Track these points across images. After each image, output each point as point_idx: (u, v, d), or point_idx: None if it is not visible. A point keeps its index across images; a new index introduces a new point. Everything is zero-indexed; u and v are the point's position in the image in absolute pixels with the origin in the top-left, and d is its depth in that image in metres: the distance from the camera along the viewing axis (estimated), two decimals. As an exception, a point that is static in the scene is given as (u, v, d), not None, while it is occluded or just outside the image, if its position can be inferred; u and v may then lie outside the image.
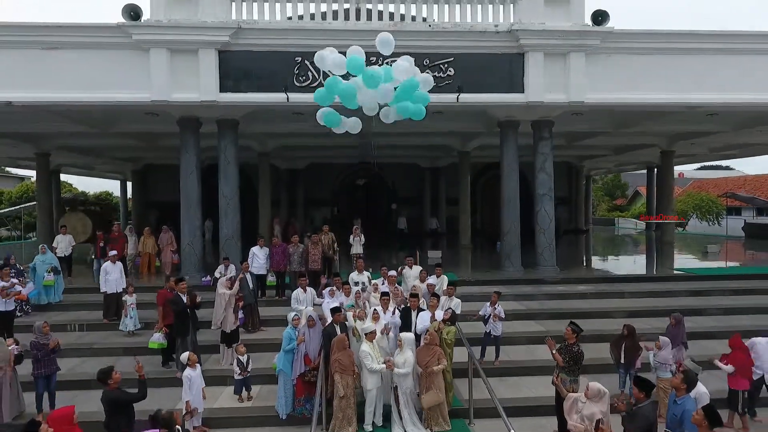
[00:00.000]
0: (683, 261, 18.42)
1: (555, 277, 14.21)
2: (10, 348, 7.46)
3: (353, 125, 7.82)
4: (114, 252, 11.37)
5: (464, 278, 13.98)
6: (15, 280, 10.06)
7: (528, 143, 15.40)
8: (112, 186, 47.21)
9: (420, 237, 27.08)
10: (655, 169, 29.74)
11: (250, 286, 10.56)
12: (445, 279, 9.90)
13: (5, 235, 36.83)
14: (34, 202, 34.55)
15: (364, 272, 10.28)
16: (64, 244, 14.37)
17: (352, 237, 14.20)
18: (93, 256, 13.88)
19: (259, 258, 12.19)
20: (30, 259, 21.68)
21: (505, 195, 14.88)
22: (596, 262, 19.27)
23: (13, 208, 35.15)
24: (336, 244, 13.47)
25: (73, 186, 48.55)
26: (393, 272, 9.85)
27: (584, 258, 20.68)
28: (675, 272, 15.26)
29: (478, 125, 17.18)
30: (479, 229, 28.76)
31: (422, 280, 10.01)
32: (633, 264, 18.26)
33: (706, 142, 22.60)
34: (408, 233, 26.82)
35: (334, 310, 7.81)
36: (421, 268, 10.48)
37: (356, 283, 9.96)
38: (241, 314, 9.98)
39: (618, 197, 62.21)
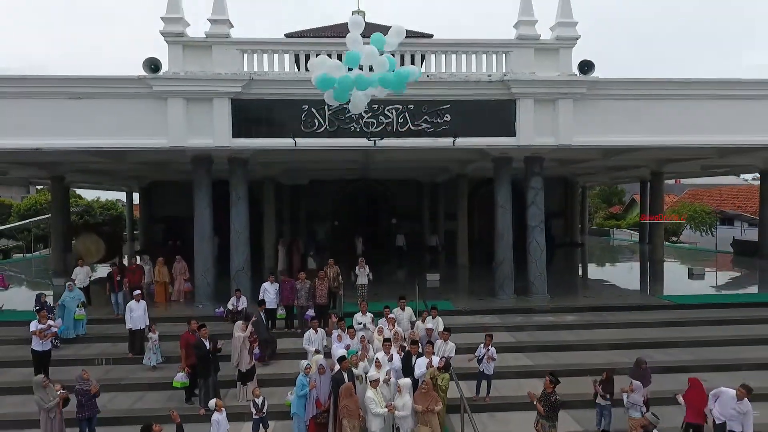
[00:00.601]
0: (668, 283, 19.41)
1: (545, 306, 15.15)
2: (59, 393, 8.40)
3: (358, 102, 8.55)
4: (138, 291, 12.34)
5: (460, 308, 14.95)
6: (51, 322, 11.04)
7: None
8: (118, 194, 48.16)
9: (419, 254, 27.99)
10: (648, 184, 30.64)
11: (265, 323, 11.56)
12: (440, 321, 10.85)
13: (11, 245, 37.68)
14: (43, 216, 35.63)
15: (368, 314, 11.27)
16: (82, 275, 15.23)
17: (357, 268, 15.15)
18: (110, 288, 14.72)
19: (269, 293, 13.16)
20: (41, 274, 22.90)
21: (499, 228, 15.84)
22: (585, 284, 20.24)
23: (23, 222, 36.14)
24: (340, 277, 14.42)
25: (80, 196, 49.49)
26: (392, 315, 10.85)
27: (575, 278, 21.65)
28: (657, 300, 16.17)
29: (473, 155, 18.12)
30: (477, 240, 29.54)
31: (423, 320, 11.02)
32: (620, 286, 19.19)
33: (695, 164, 23.59)
34: (406, 250, 27.71)
35: (341, 359, 8.79)
36: (411, 312, 11.50)
37: (359, 323, 10.98)
38: (257, 350, 10.97)
39: (615, 204, 63.15)
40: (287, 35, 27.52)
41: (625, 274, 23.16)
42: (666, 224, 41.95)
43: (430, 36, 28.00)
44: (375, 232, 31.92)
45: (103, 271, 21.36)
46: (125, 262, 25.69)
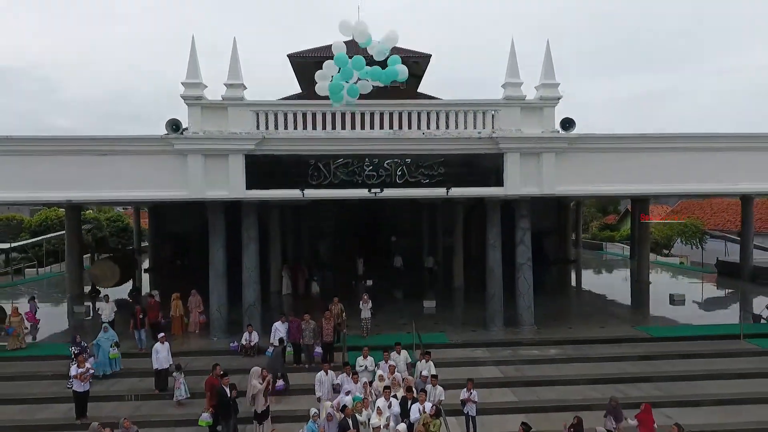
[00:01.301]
0: (649, 308, 20.77)
1: (532, 339, 16.51)
2: (109, 436, 9.77)
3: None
4: (162, 334, 13.70)
5: (453, 341, 16.32)
6: (89, 365, 12.38)
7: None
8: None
9: (416, 275, 29.18)
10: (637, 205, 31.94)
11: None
12: (432, 366, 12.21)
13: (20, 257, 38.74)
14: (56, 233, 36.89)
15: (369, 357, 12.66)
16: (107, 311, 16.56)
17: (361, 303, 16.54)
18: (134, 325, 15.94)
19: (280, 331, 14.56)
20: (59, 296, 24.18)
21: (490, 265, 17.21)
22: (570, 310, 21.61)
23: (36, 239, 37.42)
24: (344, 314, 15.82)
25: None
26: (392, 362, 12.25)
27: (563, 301, 23.01)
28: (635, 331, 17.47)
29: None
30: (474, 257, 30.52)
31: (420, 359, 12.43)
32: (603, 310, 20.59)
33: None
34: (404, 271, 29.00)
35: (344, 408, 10.20)
36: (407, 355, 12.95)
37: (361, 366, 12.40)
38: (282, 382, 12.65)
39: (611, 213, 64.42)
40: (289, 56, 28.89)
41: (610, 296, 24.26)
42: (658, 239, 43.68)
43: (429, 56, 29.26)
44: (375, 250, 33.05)
45: (113, 291, 22.70)
46: (137, 281, 27.13)
